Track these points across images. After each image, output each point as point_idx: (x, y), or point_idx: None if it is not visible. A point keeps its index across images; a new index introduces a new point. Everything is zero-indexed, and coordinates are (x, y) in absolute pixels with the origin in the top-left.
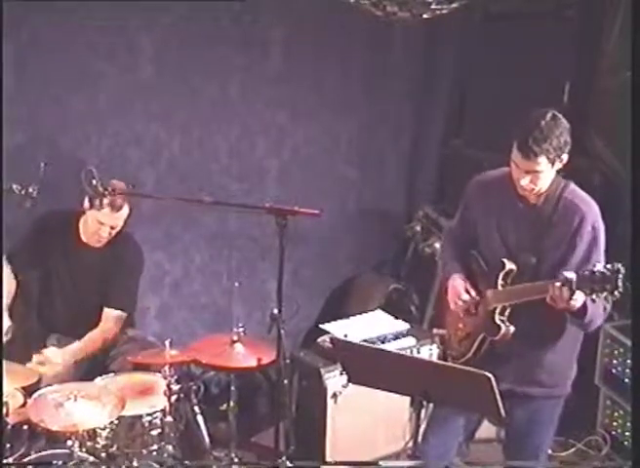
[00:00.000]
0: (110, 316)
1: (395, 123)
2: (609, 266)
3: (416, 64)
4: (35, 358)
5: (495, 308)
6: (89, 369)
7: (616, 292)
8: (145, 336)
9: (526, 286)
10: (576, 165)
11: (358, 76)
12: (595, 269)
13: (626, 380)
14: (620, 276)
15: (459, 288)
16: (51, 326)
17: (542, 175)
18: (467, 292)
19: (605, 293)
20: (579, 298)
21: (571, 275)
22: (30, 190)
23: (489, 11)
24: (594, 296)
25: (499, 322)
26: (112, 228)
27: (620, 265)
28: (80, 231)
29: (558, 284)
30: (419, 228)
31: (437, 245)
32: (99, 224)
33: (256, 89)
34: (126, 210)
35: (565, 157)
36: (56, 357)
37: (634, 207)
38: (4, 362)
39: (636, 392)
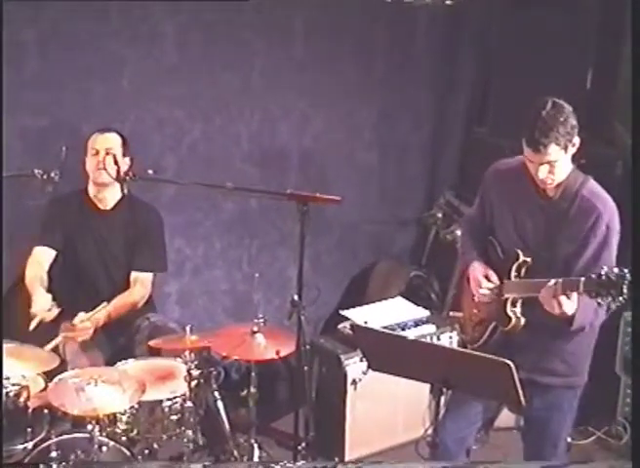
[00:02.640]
0: (139, 279)
1: (416, 110)
2: (616, 270)
3: (438, 52)
4: (63, 327)
5: (507, 299)
6: (111, 353)
7: (620, 298)
8: (167, 322)
9: (531, 281)
10: (597, 153)
11: (379, 63)
12: (603, 273)
13: None
14: (626, 282)
15: (479, 275)
16: (75, 306)
17: (558, 164)
18: (488, 278)
19: (610, 298)
20: (567, 307)
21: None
22: (52, 175)
23: None
24: (599, 299)
25: (510, 313)
26: (108, 153)
27: (626, 271)
28: (90, 195)
29: (551, 284)
30: (440, 215)
31: (458, 232)
32: (96, 155)
33: (277, 76)
34: (115, 135)
35: (576, 140)
36: (84, 321)
37: (635, 206)
38: (26, 346)
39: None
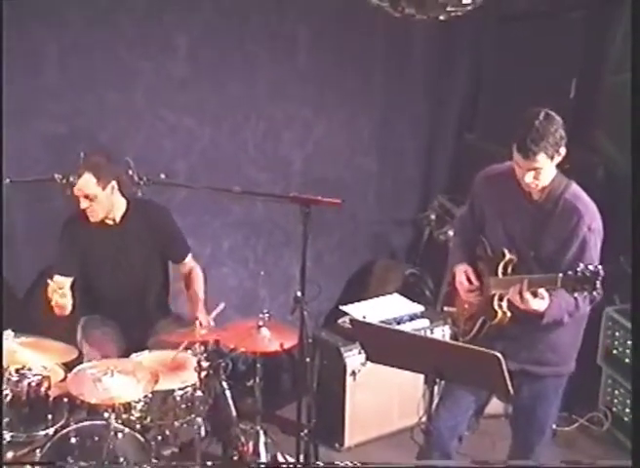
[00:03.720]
0: (187, 264)
1: (412, 118)
2: (591, 268)
3: (432, 65)
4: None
5: (494, 294)
6: (126, 345)
7: (594, 293)
8: (179, 316)
9: (513, 278)
10: (580, 159)
11: (378, 74)
12: (579, 270)
13: (627, 360)
14: (600, 278)
15: (462, 278)
16: (95, 308)
17: (543, 171)
18: (468, 279)
19: (585, 293)
20: (533, 304)
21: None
22: (71, 179)
23: (501, 13)
24: (576, 294)
25: (496, 307)
26: (87, 197)
27: (600, 267)
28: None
29: (517, 285)
30: (433, 217)
31: (451, 232)
32: (77, 199)
33: (281, 86)
34: (87, 175)
35: (562, 150)
36: (205, 318)
37: (634, 206)
38: (45, 339)
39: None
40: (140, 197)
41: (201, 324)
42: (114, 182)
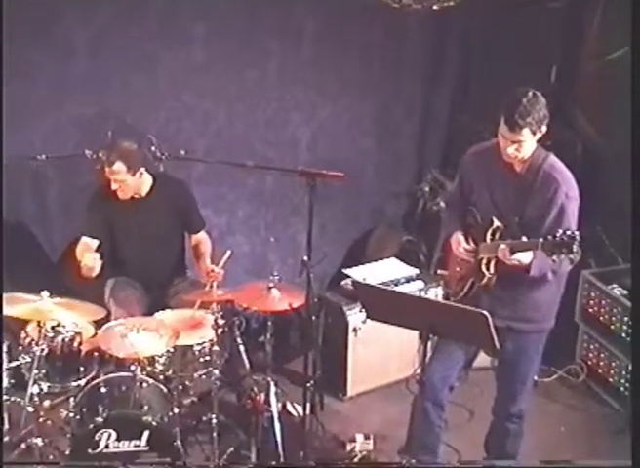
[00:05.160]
0: (202, 237)
1: (408, 101)
2: (568, 233)
3: (426, 52)
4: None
5: (482, 258)
6: (150, 305)
7: (571, 256)
8: (197, 278)
9: (494, 243)
10: (561, 137)
11: (377, 61)
12: (557, 235)
13: (601, 319)
14: (576, 242)
15: (460, 239)
16: (120, 272)
17: (525, 144)
18: (466, 240)
19: (563, 255)
20: (523, 258)
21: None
22: (100, 155)
23: (489, 3)
24: (554, 257)
25: (484, 270)
26: (117, 181)
27: (577, 233)
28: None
29: (503, 246)
30: (427, 189)
31: (442, 203)
32: (107, 178)
33: (290, 71)
34: (119, 164)
35: (544, 128)
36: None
37: (634, 205)
38: (76, 300)
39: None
40: (163, 172)
41: (211, 273)
42: (142, 168)
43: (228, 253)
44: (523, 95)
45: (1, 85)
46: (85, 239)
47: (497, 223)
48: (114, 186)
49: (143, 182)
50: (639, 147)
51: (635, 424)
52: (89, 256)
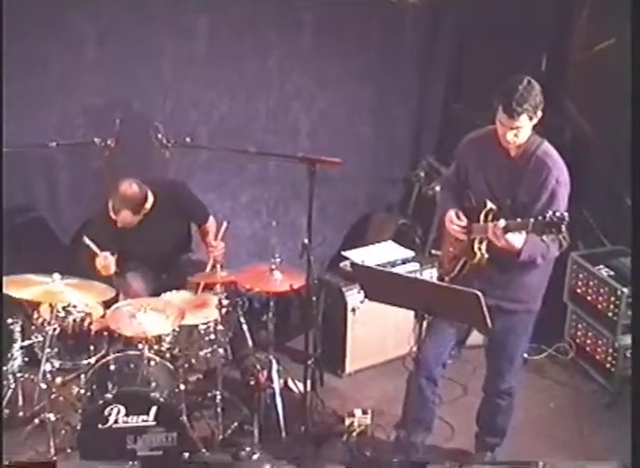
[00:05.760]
0: (209, 224)
1: (404, 90)
2: (558, 214)
3: (421, 42)
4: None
5: (474, 238)
6: (156, 285)
7: (560, 236)
8: (202, 260)
9: (487, 224)
10: (551, 124)
11: (374, 51)
12: (547, 216)
13: (589, 299)
14: (565, 223)
15: (452, 216)
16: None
17: (523, 130)
18: (458, 217)
19: (552, 235)
20: (515, 241)
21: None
22: (109, 142)
23: None
24: (544, 237)
25: (476, 249)
26: (124, 223)
27: (565, 214)
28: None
29: (491, 225)
30: (423, 174)
31: (437, 188)
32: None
33: (290, 62)
34: (125, 212)
35: (540, 113)
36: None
37: (634, 204)
38: (86, 281)
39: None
40: (162, 178)
41: (212, 245)
42: (147, 205)
43: (225, 224)
44: (519, 82)
45: (1, 79)
46: (105, 254)
47: (490, 205)
48: (120, 225)
49: (147, 205)
50: (639, 145)
51: (635, 423)
52: (104, 262)
